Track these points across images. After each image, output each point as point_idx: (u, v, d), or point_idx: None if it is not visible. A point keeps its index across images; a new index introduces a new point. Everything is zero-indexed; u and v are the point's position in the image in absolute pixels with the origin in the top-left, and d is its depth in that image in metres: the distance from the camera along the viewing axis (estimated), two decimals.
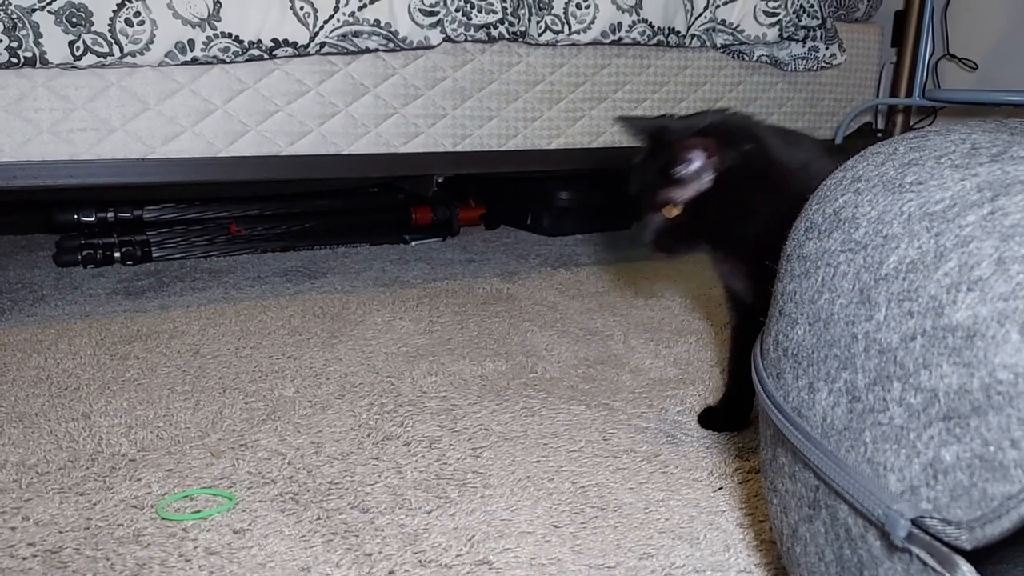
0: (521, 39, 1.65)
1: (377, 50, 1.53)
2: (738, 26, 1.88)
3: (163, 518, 0.87)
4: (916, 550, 0.48)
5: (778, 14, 1.89)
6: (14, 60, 1.28)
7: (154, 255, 1.93)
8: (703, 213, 0.98)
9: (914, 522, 0.48)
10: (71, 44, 1.30)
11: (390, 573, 0.78)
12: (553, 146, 1.79)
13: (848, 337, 0.58)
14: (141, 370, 1.28)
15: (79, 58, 1.31)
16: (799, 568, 0.65)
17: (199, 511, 0.89)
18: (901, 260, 0.56)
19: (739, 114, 1.02)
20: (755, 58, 1.99)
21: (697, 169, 0.96)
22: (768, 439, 0.69)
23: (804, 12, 1.93)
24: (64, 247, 1.88)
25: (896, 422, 0.52)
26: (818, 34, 2.01)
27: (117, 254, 1.89)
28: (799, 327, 0.65)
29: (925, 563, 0.47)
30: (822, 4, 1.98)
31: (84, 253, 1.87)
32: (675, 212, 0.98)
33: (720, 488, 0.95)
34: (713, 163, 0.96)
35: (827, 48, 2.07)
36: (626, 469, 1.00)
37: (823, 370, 0.60)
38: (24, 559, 0.79)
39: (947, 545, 0.45)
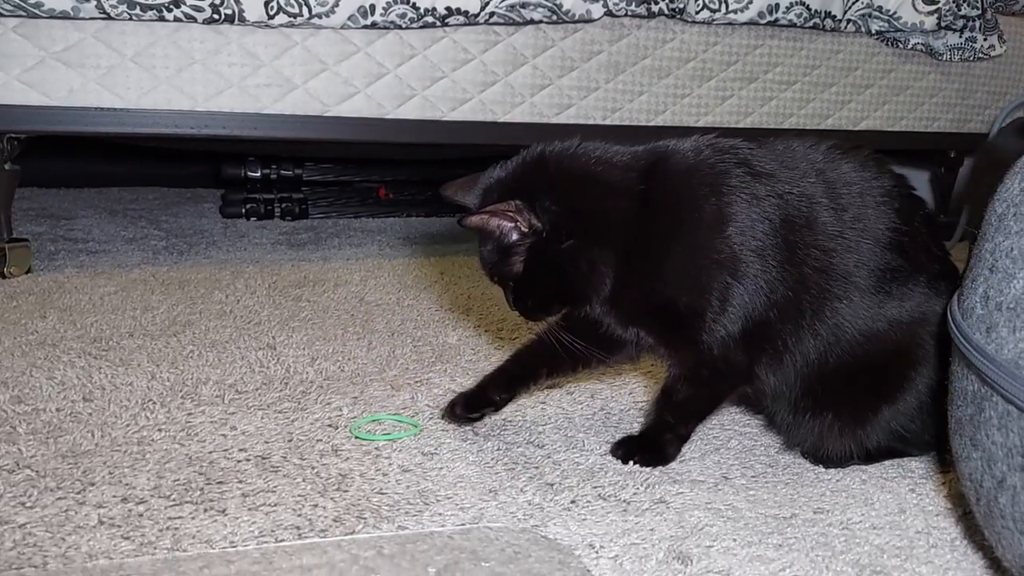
0: (678, 16, 1.66)
1: (540, 22, 1.58)
2: (895, 13, 1.84)
3: (357, 437, 0.94)
4: None
5: (937, 2, 1.84)
6: (215, 16, 1.39)
7: (310, 213, 2.05)
8: (535, 282, 0.89)
9: None
10: (266, 3, 1.40)
11: (572, 502, 0.83)
12: (700, 124, 1.79)
13: None
14: (314, 311, 1.37)
15: (272, 17, 1.41)
16: (1003, 520, 0.66)
17: (388, 433, 0.96)
18: None
19: (565, 149, 0.90)
20: (909, 46, 1.94)
21: (517, 238, 0.86)
22: (970, 396, 0.70)
23: (964, 1, 1.87)
24: (229, 200, 2.03)
25: None
26: (977, 24, 1.95)
27: (277, 210, 2.02)
28: (1017, 282, 0.65)
29: None
30: None
31: (248, 206, 2.00)
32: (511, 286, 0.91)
33: None
34: (520, 228, 0.86)
35: (985, 39, 2.00)
36: None
37: None
38: (239, 462, 0.87)
39: None
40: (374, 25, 1.47)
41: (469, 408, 0.97)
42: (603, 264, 0.88)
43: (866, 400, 0.92)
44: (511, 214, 0.85)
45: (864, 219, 0.89)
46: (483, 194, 0.90)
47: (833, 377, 0.91)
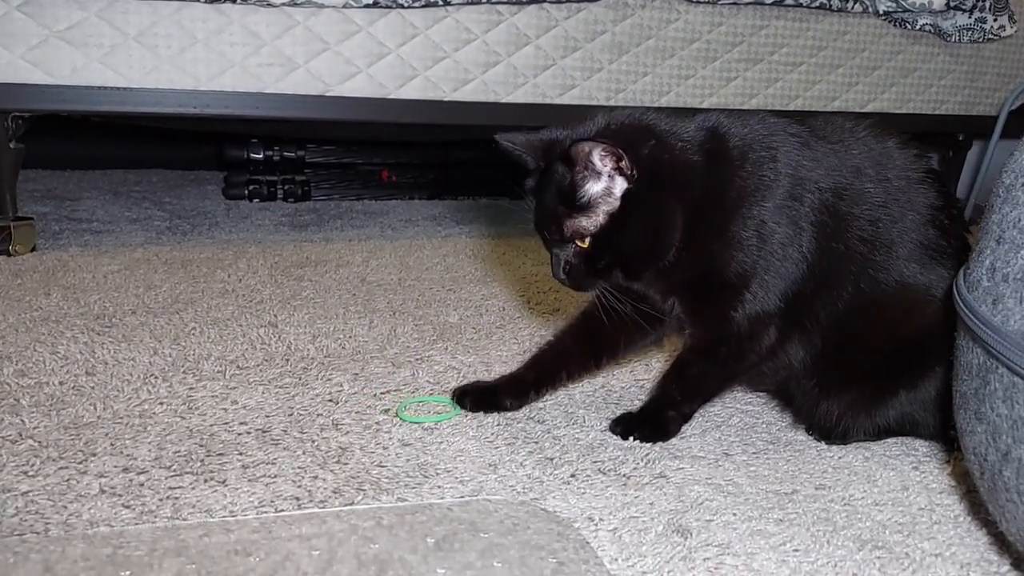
0: None
1: (543, 1, 1.57)
2: None
3: (403, 420, 0.93)
4: None
5: None
6: None
7: (312, 195, 2.04)
8: (618, 237, 0.85)
9: None
10: None
11: (572, 476, 0.83)
12: (705, 104, 1.78)
13: None
14: (316, 291, 1.37)
15: None
16: (1007, 493, 0.65)
17: (424, 415, 0.95)
18: None
19: (633, 111, 0.90)
20: (918, 27, 1.92)
21: (605, 185, 0.83)
22: (975, 369, 0.69)
23: None
24: (232, 182, 2.02)
25: None
26: (987, 4, 1.93)
27: (280, 191, 2.02)
28: None
29: None
30: None
31: (251, 188, 2.00)
32: (587, 243, 0.86)
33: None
34: (623, 169, 0.83)
35: (995, 20, 1.97)
36: None
37: None
38: (240, 434, 0.87)
39: None
40: (376, 4, 1.46)
41: (478, 406, 0.96)
42: (683, 220, 0.86)
43: (891, 380, 0.92)
44: (620, 151, 0.81)
45: (909, 192, 0.90)
46: (547, 149, 0.87)
47: (863, 354, 0.91)
